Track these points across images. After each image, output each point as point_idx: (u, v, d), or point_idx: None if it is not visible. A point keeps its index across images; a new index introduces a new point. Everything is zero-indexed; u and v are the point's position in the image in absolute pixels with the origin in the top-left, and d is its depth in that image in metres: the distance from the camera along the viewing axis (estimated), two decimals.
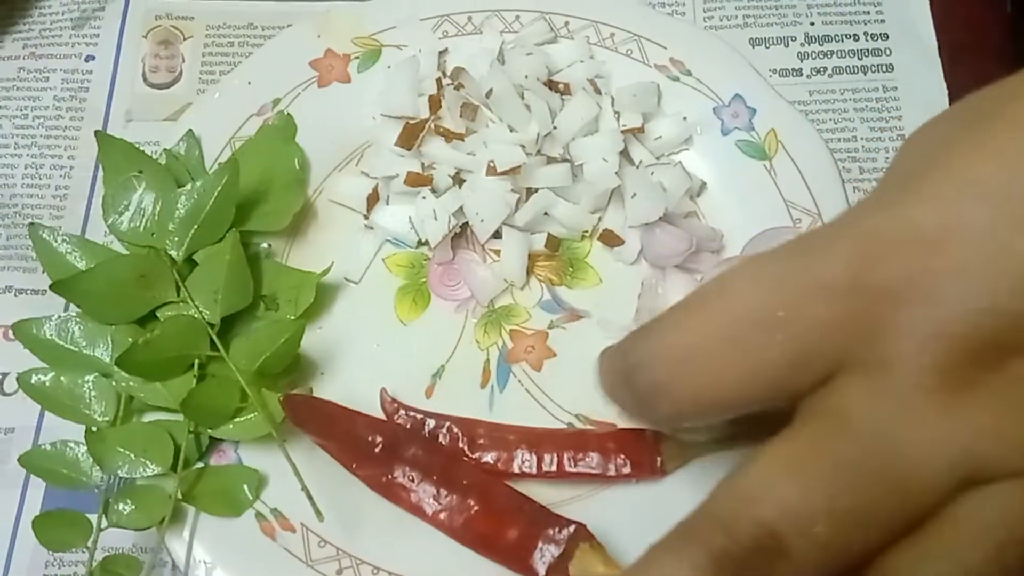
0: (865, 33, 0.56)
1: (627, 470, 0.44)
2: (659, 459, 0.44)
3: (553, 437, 0.45)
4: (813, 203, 0.48)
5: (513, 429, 0.46)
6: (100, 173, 0.52)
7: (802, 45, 0.56)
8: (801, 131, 0.50)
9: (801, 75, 0.55)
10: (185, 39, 0.58)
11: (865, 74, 0.55)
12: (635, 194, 0.49)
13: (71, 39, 0.59)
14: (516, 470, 0.44)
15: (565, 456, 0.44)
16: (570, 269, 0.50)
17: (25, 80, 0.58)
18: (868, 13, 0.57)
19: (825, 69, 0.55)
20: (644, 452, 0.44)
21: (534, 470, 0.44)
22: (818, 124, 0.53)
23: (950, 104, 0.52)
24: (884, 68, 0.55)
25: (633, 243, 0.49)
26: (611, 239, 0.50)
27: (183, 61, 0.57)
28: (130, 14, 0.59)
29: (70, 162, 0.55)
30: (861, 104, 0.54)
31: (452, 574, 0.43)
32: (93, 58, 0.58)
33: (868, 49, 0.55)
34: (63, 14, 0.59)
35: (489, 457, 0.45)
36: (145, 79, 0.57)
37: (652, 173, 0.49)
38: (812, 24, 0.57)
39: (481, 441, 0.45)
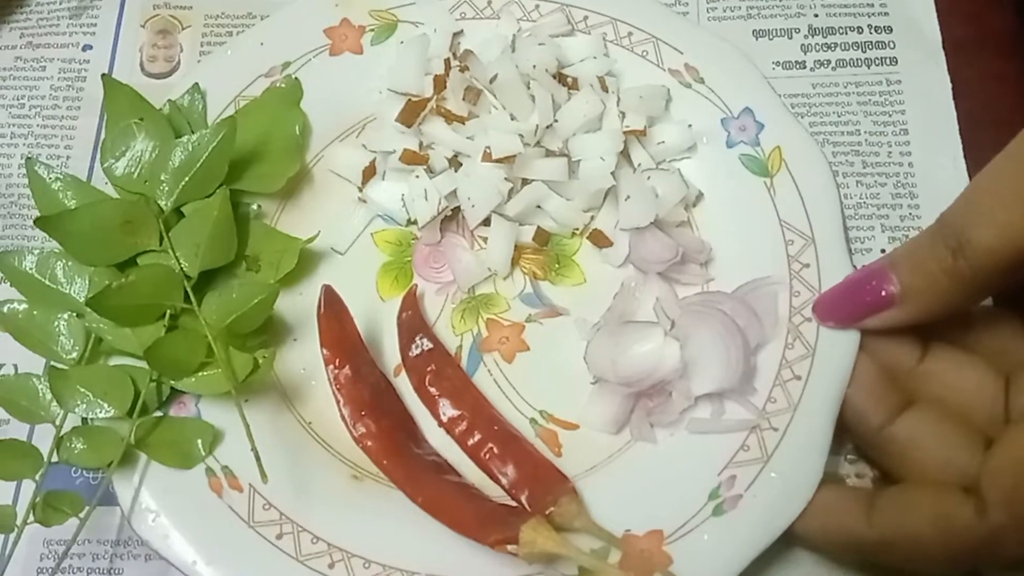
0: (869, 26, 0.55)
1: (521, 497, 0.43)
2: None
3: (495, 423, 0.45)
4: (808, 226, 0.47)
5: (476, 393, 0.46)
6: (97, 164, 0.51)
7: (805, 37, 0.55)
8: (807, 152, 0.48)
9: (804, 67, 0.54)
10: (183, 29, 0.58)
11: (869, 67, 0.54)
12: (629, 197, 0.48)
13: (68, 28, 0.58)
14: (443, 417, 0.45)
15: (488, 445, 0.44)
16: (556, 265, 0.50)
17: (22, 69, 0.57)
18: (872, 6, 0.56)
19: (828, 62, 0.54)
20: (544, 493, 0.43)
21: (455, 430, 0.45)
22: (821, 117, 0.53)
23: (953, 99, 0.51)
24: (888, 61, 0.54)
25: (622, 246, 0.49)
26: (600, 239, 0.49)
27: (181, 51, 0.57)
28: (128, 3, 0.58)
29: (67, 152, 0.55)
30: (864, 98, 0.53)
31: (393, 548, 0.43)
32: (91, 47, 0.57)
33: (872, 42, 0.54)
34: (61, 3, 0.59)
35: (438, 394, 0.46)
36: (143, 69, 0.57)
37: (648, 178, 0.48)
38: (816, 16, 0.56)
39: (444, 382, 0.46)
